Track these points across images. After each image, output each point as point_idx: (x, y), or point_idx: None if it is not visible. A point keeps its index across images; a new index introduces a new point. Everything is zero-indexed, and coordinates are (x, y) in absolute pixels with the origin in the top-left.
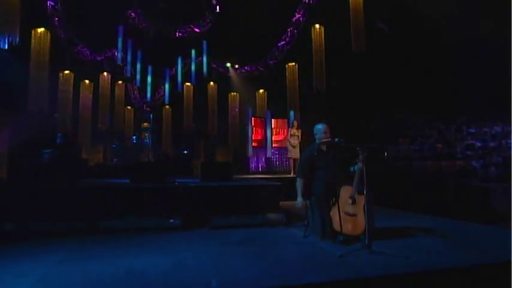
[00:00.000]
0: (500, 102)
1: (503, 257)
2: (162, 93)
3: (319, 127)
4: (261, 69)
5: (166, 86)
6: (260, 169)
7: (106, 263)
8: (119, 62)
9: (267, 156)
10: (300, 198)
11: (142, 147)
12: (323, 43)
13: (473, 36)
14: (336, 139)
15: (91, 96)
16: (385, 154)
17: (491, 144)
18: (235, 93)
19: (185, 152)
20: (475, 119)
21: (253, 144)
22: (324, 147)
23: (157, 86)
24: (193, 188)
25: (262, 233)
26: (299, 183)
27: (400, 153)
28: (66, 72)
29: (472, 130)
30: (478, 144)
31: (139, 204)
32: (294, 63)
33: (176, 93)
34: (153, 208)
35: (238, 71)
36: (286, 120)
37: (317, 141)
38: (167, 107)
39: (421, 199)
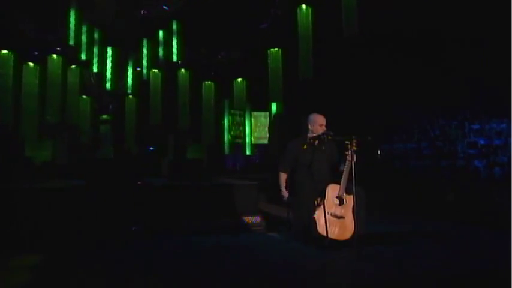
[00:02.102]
0: (507, 96)
1: (505, 262)
2: (125, 81)
3: (315, 118)
4: (240, 55)
5: (130, 72)
6: (238, 168)
7: None
8: (72, 43)
9: (247, 154)
10: (284, 192)
11: (100, 143)
12: (310, 26)
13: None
14: (321, 131)
15: (37, 82)
16: (378, 152)
17: (496, 142)
18: (210, 82)
19: (152, 149)
20: (479, 115)
21: (231, 140)
22: (316, 142)
23: (118, 73)
24: (159, 188)
25: (238, 239)
26: (282, 178)
27: (396, 152)
28: (4, 52)
29: (476, 126)
30: (482, 142)
31: (94, 209)
32: (277, 49)
33: (141, 82)
34: (111, 213)
35: (213, 57)
36: (267, 113)
37: (309, 134)
38: (130, 96)
39: (418, 201)
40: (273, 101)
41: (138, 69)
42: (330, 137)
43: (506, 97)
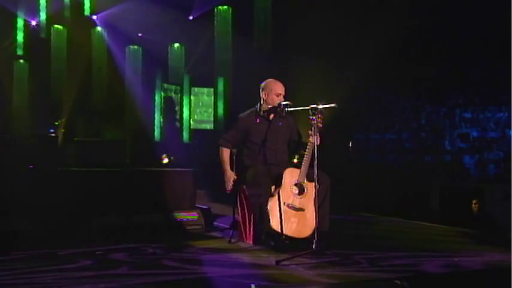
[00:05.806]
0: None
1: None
2: (13, 38)
3: (271, 85)
4: (177, 13)
5: (20, 27)
6: (172, 159)
7: None
8: None
9: (184, 141)
10: (229, 173)
11: None
12: None
13: None
14: (278, 102)
15: None
16: (350, 144)
17: (491, 134)
18: (136, 47)
19: (52, 130)
20: (473, 101)
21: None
22: (271, 115)
23: (3, 27)
24: (58, 175)
25: (167, 240)
26: (225, 155)
27: (372, 144)
28: None
29: (468, 115)
30: (474, 134)
31: None
32: (226, 7)
33: (38, 40)
34: None
35: (141, 13)
36: (212, 90)
37: (263, 105)
38: (21, 60)
39: (396, 202)
40: (220, 75)
41: (33, 23)
42: (288, 110)
43: (506, 80)
